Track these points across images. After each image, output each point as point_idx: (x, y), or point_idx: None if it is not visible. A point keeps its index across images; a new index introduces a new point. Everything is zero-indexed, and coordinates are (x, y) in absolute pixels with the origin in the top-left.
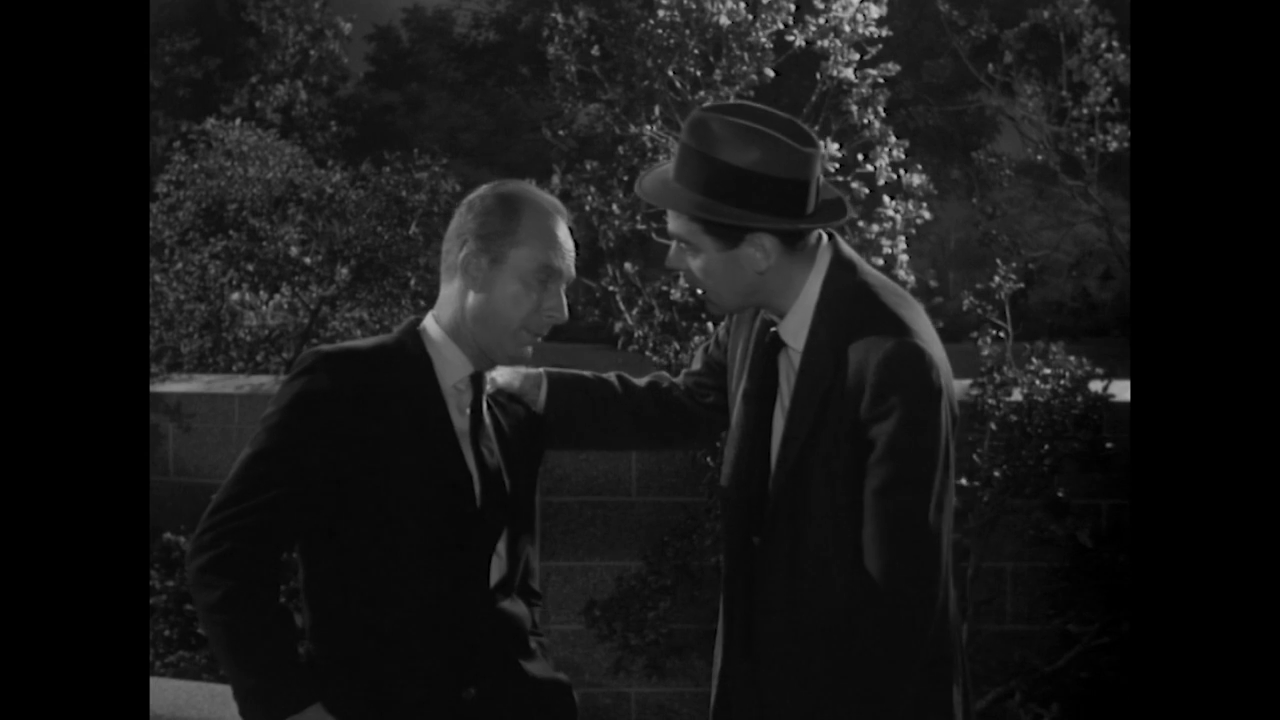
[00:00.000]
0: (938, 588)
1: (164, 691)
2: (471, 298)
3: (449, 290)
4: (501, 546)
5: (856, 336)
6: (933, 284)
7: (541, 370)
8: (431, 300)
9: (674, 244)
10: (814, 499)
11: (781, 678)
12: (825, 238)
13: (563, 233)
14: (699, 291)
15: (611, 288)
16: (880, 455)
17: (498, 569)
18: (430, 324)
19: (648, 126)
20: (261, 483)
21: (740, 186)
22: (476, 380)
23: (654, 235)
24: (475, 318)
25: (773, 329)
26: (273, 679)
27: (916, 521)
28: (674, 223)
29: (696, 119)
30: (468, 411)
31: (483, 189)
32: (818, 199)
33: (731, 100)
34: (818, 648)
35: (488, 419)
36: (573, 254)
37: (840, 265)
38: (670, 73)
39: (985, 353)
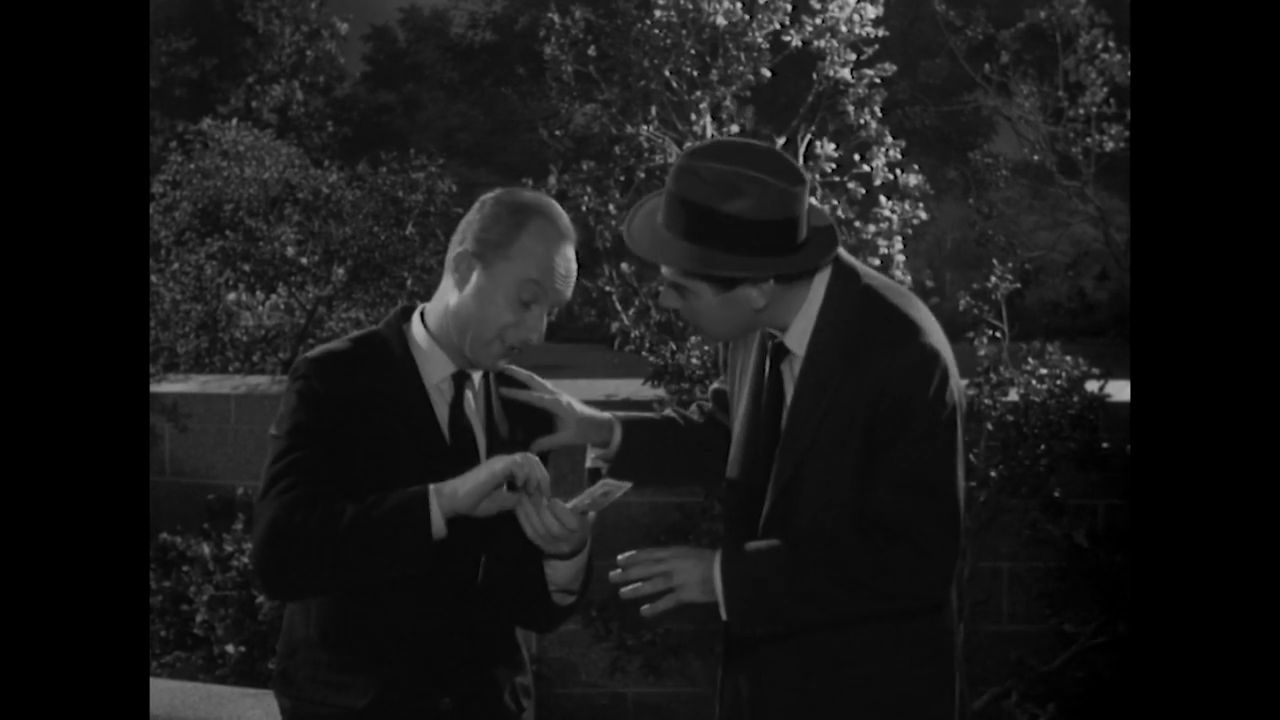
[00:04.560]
0: (957, 541)
1: (160, 692)
2: (455, 298)
3: (444, 284)
4: (486, 551)
5: (867, 339)
6: (929, 284)
7: (611, 415)
8: (428, 300)
9: (666, 286)
10: (810, 502)
11: (781, 676)
12: None
13: (562, 257)
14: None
15: (608, 288)
16: (895, 460)
17: (484, 574)
18: (416, 323)
19: (644, 127)
20: (289, 468)
21: (733, 233)
22: (459, 380)
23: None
24: (455, 317)
25: (775, 339)
26: (396, 511)
27: (936, 493)
28: (666, 267)
29: (682, 167)
30: (447, 411)
31: (500, 192)
32: (808, 225)
33: (715, 138)
34: (815, 648)
35: (479, 420)
36: (569, 279)
37: (841, 272)
38: (667, 73)
39: (981, 353)
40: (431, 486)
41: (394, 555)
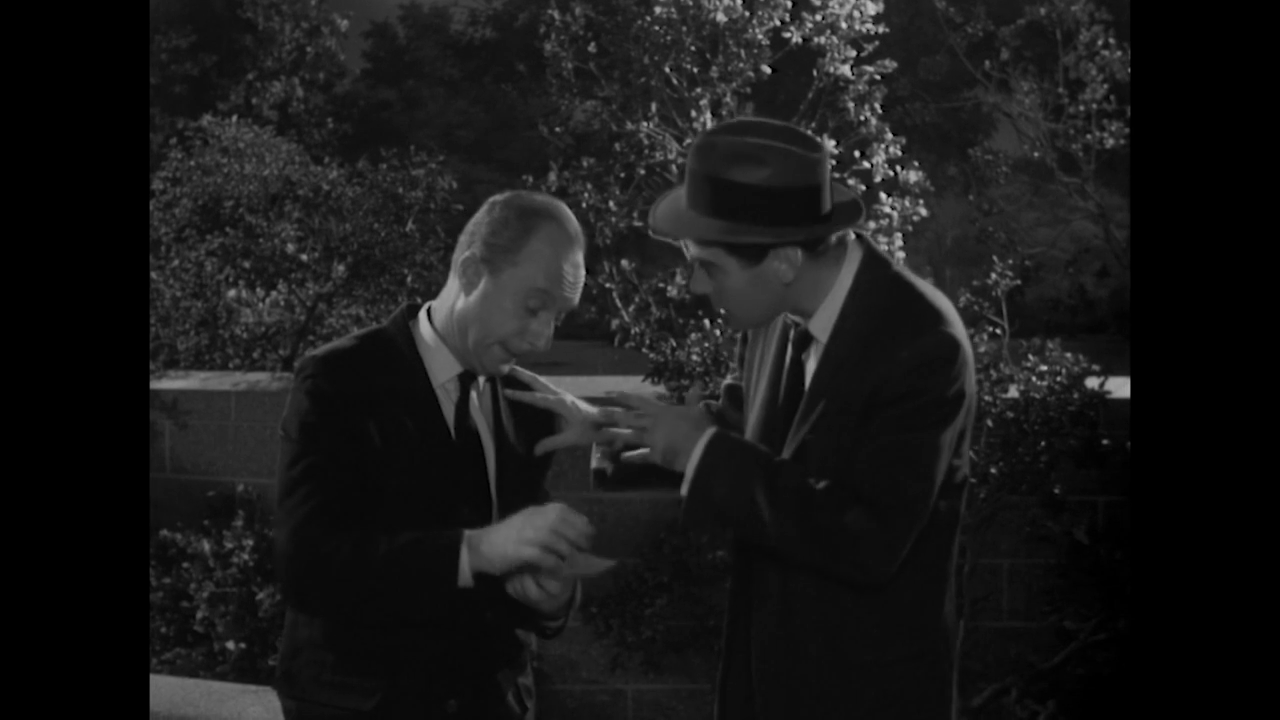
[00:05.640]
0: (915, 522)
1: (160, 689)
2: (462, 301)
3: (450, 286)
4: None
5: (894, 323)
6: (929, 280)
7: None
8: (428, 297)
9: (695, 268)
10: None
11: (780, 671)
12: (854, 235)
13: (570, 264)
14: (720, 312)
15: (608, 284)
16: (884, 428)
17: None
18: (424, 321)
19: (644, 123)
20: (305, 473)
21: (757, 203)
22: (465, 380)
23: (650, 232)
24: (460, 321)
25: (799, 326)
26: (429, 554)
27: (912, 470)
28: (694, 248)
29: (702, 143)
30: (453, 411)
31: (510, 195)
32: (832, 200)
33: (732, 119)
34: (810, 634)
35: (486, 421)
36: (577, 285)
37: (873, 259)
38: (667, 69)
39: (982, 349)
40: (465, 536)
41: (420, 599)
